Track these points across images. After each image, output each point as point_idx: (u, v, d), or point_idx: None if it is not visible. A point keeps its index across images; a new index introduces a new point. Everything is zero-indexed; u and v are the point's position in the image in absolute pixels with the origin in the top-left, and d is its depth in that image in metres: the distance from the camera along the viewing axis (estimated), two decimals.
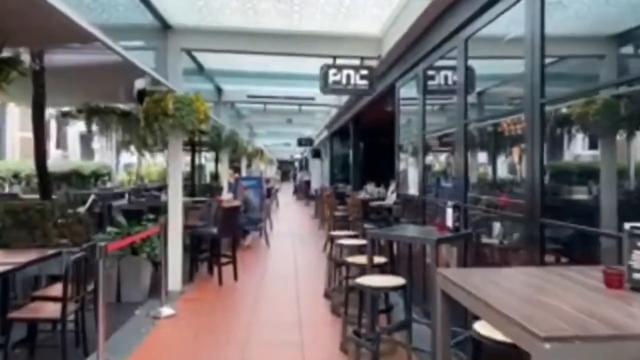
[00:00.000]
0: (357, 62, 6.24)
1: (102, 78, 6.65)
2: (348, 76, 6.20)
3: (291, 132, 20.05)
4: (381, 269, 3.91)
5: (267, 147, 29.11)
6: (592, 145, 3.15)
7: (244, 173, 15.13)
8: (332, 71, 6.17)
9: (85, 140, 18.56)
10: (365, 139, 11.41)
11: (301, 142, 19.83)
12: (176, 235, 6.05)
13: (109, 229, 5.44)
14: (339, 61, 6.24)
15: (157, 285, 5.30)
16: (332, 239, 5.86)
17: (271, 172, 32.56)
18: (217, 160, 15.16)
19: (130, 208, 6.59)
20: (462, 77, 3.95)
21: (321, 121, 14.42)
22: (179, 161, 6.20)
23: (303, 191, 21.89)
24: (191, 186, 13.20)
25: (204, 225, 6.97)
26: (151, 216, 5.71)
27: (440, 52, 4.71)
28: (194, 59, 7.71)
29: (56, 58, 5.94)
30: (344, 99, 10.17)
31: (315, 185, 15.20)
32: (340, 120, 11.80)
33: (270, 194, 16.60)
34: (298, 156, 37.62)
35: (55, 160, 15.88)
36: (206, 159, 26.49)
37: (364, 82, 6.22)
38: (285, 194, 26.98)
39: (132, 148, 14.17)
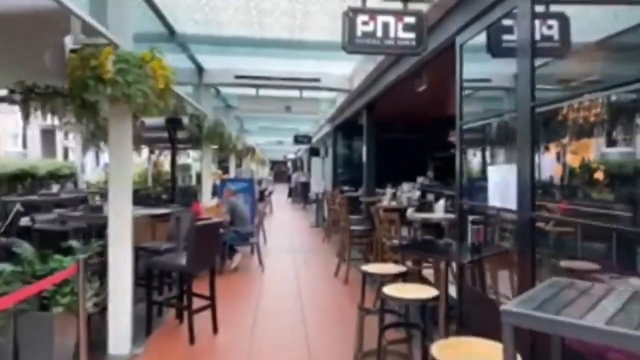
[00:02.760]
0: (398, 5, 4.14)
1: (17, 37, 4.47)
2: (385, 26, 4.09)
3: (286, 129, 17.89)
4: None
5: (259, 146, 26.90)
6: None
7: (232, 174, 12.95)
8: (361, 18, 4.06)
9: (48, 136, 16.21)
10: (381, 133, 9.28)
11: (297, 139, 17.62)
12: (121, 268, 3.89)
13: (1, 266, 3.26)
14: (372, 3, 4.13)
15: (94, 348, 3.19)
16: (363, 276, 3.74)
17: (263, 173, 30.35)
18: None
19: (50, 228, 4.34)
20: None
21: (325, 113, 12.29)
22: (126, 156, 4.02)
23: (299, 194, 19.72)
24: (171, 190, 11.14)
25: (169, 248, 4.81)
26: (74, 243, 3.50)
27: None
28: (159, 14, 5.55)
29: None
30: (357, 81, 8.06)
31: (315, 188, 13.06)
32: (351, 107, 9.67)
33: (263, 197, 14.45)
34: (292, 156, 35.43)
35: (9, 158, 13.59)
36: (194, 158, 24.20)
37: (409, 35, 4.10)
38: (280, 196, 24.81)
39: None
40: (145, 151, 17.77)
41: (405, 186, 11.67)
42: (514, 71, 7.90)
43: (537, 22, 3.93)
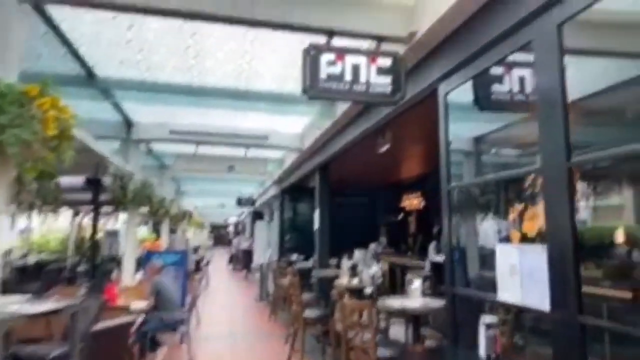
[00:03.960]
0: (368, 44, 3.42)
1: None
2: (355, 68, 3.32)
3: (228, 191, 16.75)
4: None
5: (197, 209, 25.27)
6: None
7: (164, 241, 11.48)
8: (326, 57, 3.28)
9: None
10: (334, 196, 8.45)
11: (241, 201, 16.46)
12: None
13: None
14: (338, 41, 3.38)
15: None
16: None
17: (202, 237, 28.42)
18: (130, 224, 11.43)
19: None
20: None
21: (272, 174, 11.36)
22: None
23: (241, 261, 18.19)
24: (91, 262, 9.56)
25: (62, 355, 3.46)
26: None
27: None
28: (72, 50, 4.52)
29: None
30: (309, 140, 7.29)
31: (259, 258, 11.81)
32: (302, 169, 8.82)
33: (199, 268, 12.93)
34: (233, 219, 33.84)
35: None
36: (124, 222, 22.04)
37: (384, 79, 3.36)
38: (219, 263, 23.04)
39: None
40: (67, 213, 15.81)
41: (357, 254, 10.75)
42: (475, 133, 7.18)
43: (524, 72, 3.36)
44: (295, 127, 7.35)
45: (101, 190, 7.61)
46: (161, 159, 10.01)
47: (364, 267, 6.08)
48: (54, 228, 17.03)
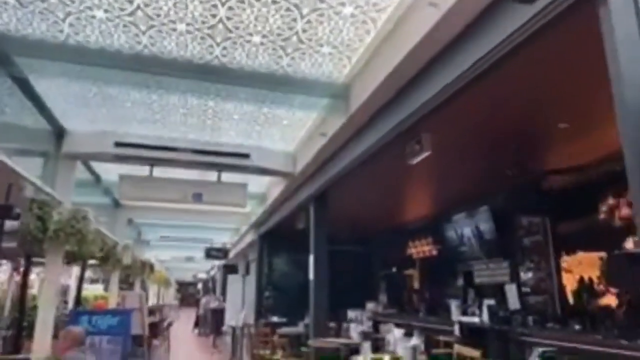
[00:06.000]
0: None
1: None
2: None
3: (197, 241, 14.55)
4: None
5: (164, 263, 22.64)
6: None
7: (113, 300, 9.13)
8: None
9: None
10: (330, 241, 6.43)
11: (210, 252, 14.11)
12: None
13: None
14: None
15: None
16: None
17: (168, 296, 25.46)
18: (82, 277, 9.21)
19: None
20: None
21: (249, 218, 9.37)
22: None
23: (210, 324, 15.57)
24: (17, 328, 7.31)
25: None
26: None
27: None
28: None
29: None
30: (301, 165, 5.50)
31: (232, 318, 9.59)
32: (291, 202, 6.89)
33: (158, 331, 10.49)
34: (203, 275, 30.95)
35: None
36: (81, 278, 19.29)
37: None
38: (185, 326, 20.16)
39: None
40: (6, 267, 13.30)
41: (352, 314, 8.80)
42: None
43: None
44: (287, 142, 5.56)
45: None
46: (109, 190, 7.96)
47: (390, 334, 4.08)
48: None
